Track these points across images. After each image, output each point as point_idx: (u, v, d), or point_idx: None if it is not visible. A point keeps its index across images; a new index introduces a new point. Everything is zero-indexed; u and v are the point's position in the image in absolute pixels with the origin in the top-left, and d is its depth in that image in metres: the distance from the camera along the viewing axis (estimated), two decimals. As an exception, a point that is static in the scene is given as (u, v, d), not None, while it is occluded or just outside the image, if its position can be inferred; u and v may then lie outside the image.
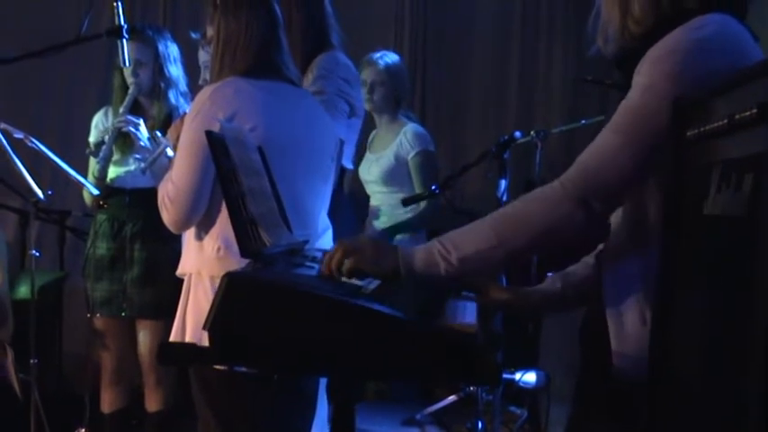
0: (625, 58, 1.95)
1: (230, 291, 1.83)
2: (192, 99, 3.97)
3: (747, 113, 1.32)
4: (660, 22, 1.89)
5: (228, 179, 2.14)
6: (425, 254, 1.95)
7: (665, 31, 1.83)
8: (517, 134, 3.87)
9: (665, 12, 1.90)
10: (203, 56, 3.37)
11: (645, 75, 1.78)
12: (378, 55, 4.73)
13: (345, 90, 3.24)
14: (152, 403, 4.17)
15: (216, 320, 1.82)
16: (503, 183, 3.71)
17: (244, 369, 2.56)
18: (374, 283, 2.13)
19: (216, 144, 2.20)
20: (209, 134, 2.21)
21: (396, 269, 1.98)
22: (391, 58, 4.77)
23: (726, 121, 1.41)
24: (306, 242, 2.57)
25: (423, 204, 4.57)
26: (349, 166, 3.38)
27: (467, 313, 2.34)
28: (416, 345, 1.82)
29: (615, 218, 2.01)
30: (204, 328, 1.83)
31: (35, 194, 4.01)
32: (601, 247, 2.08)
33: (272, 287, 1.88)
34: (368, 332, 1.82)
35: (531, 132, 4.21)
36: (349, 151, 3.32)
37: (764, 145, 1.26)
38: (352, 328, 1.83)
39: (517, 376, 4.07)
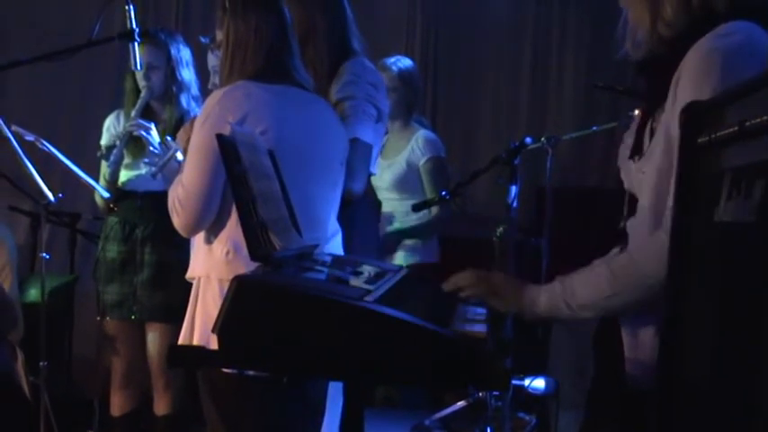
0: (651, 63, 1.95)
1: (239, 294, 1.84)
2: (204, 103, 4.00)
3: (758, 120, 1.32)
4: (691, 26, 1.89)
5: (239, 183, 2.15)
6: (549, 298, 2.02)
7: (695, 37, 1.83)
8: (528, 140, 3.86)
9: (696, 15, 1.89)
10: (213, 60, 3.37)
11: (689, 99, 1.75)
12: (391, 60, 4.72)
13: (373, 95, 3.24)
14: (161, 407, 4.18)
15: (225, 323, 1.83)
16: (513, 189, 3.70)
17: (252, 373, 2.57)
18: (384, 287, 2.14)
19: (226, 147, 2.20)
20: (219, 137, 2.21)
21: (521, 308, 2.07)
22: (404, 63, 4.77)
23: (737, 127, 1.41)
24: (315, 246, 2.57)
25: (434, 210, 4.57)
26: (373, 171, 3.37)
27: (475, 321, 2.33)
28: (426, 349, 1.82)
29: (631, 223, 2.01)
30: (213, 331, 1.83)
31: (46, 197, 4.02)
32: (615, 251, 2.07)
33: (281, 290, 1.88)
34: (377, 336, 1.83)
35: (542, 139, 4.19)
36: (374, 156, 3.32)
37: (775, 152, 1.26)
38: (361, 331, 1.83)
39: (526, 382, 4.05)
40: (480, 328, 2.11)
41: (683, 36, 1.90)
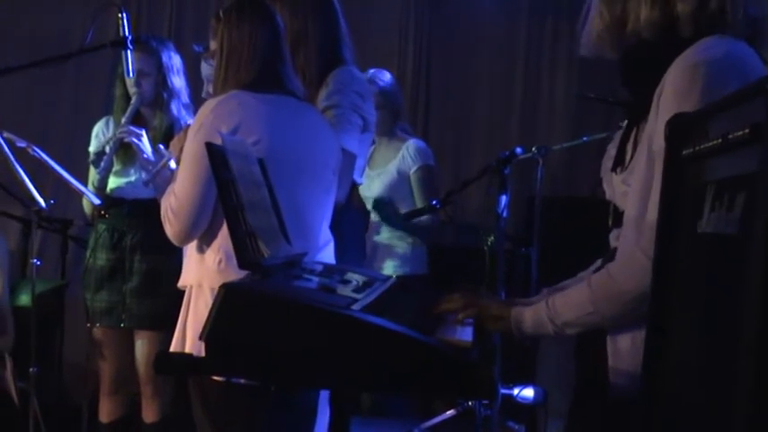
0: (631, 69, 1.97)
1: (227, 301, 1.84)
2: (195, 111, 4.01)
3: (740, 133, 1.33)
4: (663, 28, 1.90)
5: (227, 191, 2.15)
6: (535, 316, 2.05)
7: (669, 42, 1.85)
8: (518, 150, 3.89)
9: (674, 16, 1.91)
10: (206, 69, 3.38)
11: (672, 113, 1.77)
12: (369, 76, 4.64)
13: (359, 104, 3.24)
14: (149, 414, 4.17)
15: (212, 331, 1.83)
16: (503, 198, 3.72)
17: (242, 380, 2.57)
18: (371, 296, 2.14)
19: (216, 155, 2.21)
20: (209, 146, 2.22)
21: (508, 329, 2.11)
22: (384, 78, 4.74)
23: (720, 140, 1.42)
24: (304, 254, 2.57)
25: (423, 219, 4.59)
26: (359, 180, 3.38)
27: (463, 330, 2.34)
28: (412, 358, 1.83)
29: (614, 235, 2.02)
30: (201, 338, 1.84)
31: (37, 203, 4.02)
32: (598, 263, 2.09)
33: (268, 298, 1.89)
34: (363, 345, 1.84)
35: (533, 149, 4.21)
36: (360, 166, 3.33)
37: (756, 165, 1.27)
38: (348, 340, 1.84)
39: (515, 391, 4.07)
40: (466, 336, 2.13)
41: (657, 40, 1.91)
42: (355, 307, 1.96)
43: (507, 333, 2.12)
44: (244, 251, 2.09)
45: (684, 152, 1.60)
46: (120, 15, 3.33)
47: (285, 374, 1.90)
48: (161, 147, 3.16)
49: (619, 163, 2.00)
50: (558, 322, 2.00)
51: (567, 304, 2.00)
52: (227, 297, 1.84)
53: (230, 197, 2.15)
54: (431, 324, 2.13)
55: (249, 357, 1.86)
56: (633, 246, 1.87)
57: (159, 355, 1.96)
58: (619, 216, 2.00)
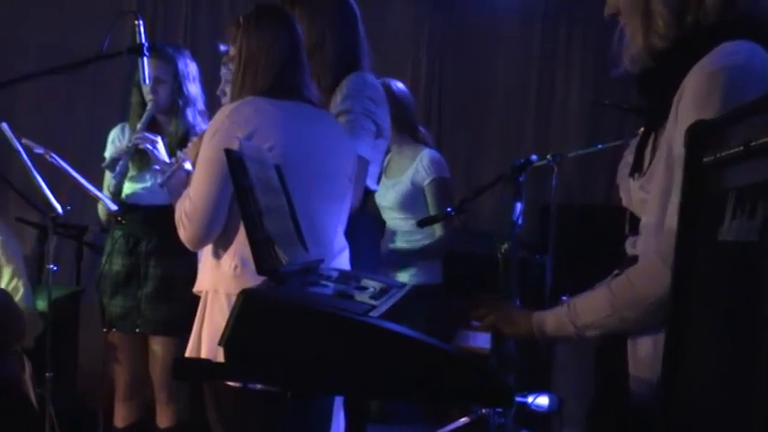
0: (651, 80, 1.97)
1: (246, 307, 1.84)
2: (210, 117, 4.01)
3: (763, 141, 1.33)
4: (683, 39, 1.91)
5: (246, 197, 2.16)
6: (556, 319, 2.08)
7: (688, 51, 1.85)
8: (533, 158, 3.88)
9: (687, 27, 1.91)
10: (225, 75, 3.39)
11: (692, 121, 1.77)
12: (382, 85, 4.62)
13: (372, 110, 3.24)
14: (163, 419, 4.18)
15: (231, 336, 1.83)
16: (518, 206, 3.71)
17: (258, 386, 2.58)
18: (388, 303, 2.14)
19: (234, 162, 2.21)
20: (227, 152, 2.23)
21: (530, 332, 2.13)
22: (396, 87, 4.73)
23: (742, 147, 1.42)
24: (321, 261, 2.58)
25: (437, 230, 4.58)
26: (373, 187, 3.37)
27: (478, 338, 2.35)
28: (430, 365, 1.83)
29: (630, 242, 2.02)
30: (220, 343, 1.84)
31: (54, 209, 4.04)
32: (617, 272, 2.09)
33: (287, 305, 1.89)
34: (380, 351, 1.83)
35: (548, 156, 4.20)
36: (374, 172, 3.32)
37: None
38: (364, 346, 1.84)
39: (530, 399, 4.05)
40: (482, 343, 2.13)
41: (676, 49, 1.91)
42: (373, 314, 1.96)
43: (528, 337, 2.14)
44: (262, 257, 2.09)
45: (705, 159, 1.59)
46: (136, 23, 3.34)
47: (303, 380, 1.90)
48: (180, 154, 3.17)
49: (636, 169, 1.99)
50: (578, 324, 2.02)
51: (587, 307, 2.02)
52: (246, 303, 1.85)
53: (248, 203, 2.15)
54: (447, 331, 2.14)
55: (268, 363, 1.86)
56: (652, 252, 1.87)
57: (177, 360, 1.97)
58: (635, 223, 2.00)
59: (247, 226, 2.13)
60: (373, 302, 2.08)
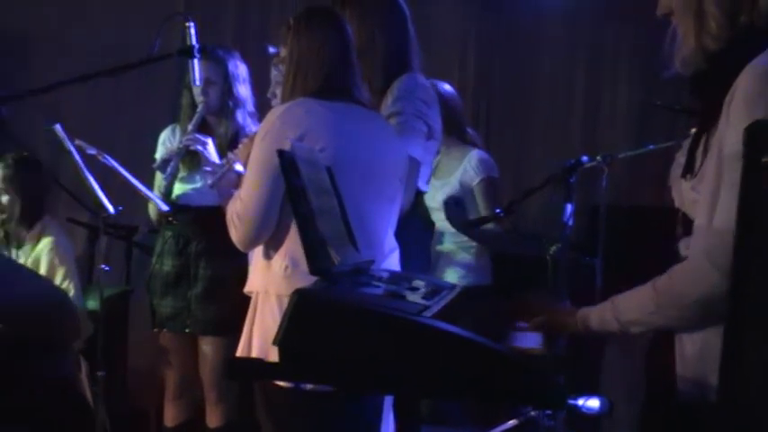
0: (702, 80, 1.95)
1: (299, 307, 1.85)
2: (259, 119, 4.03)
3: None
4: (736, 40, 1.89)
5: (298, 198, 2.16)
6: (600, 314, 2.09)
7: (741, 51, 1.83)
8: (584, 159, 3.86)
9: (740, 28, 1.89)
10: (276, 76, 3.40)
11: (744, 121, 1.76)
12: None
13: (424, 111, 3.23)
14: (213, 419, 4.21)
15: (285, 336, 1.84)
16: (569, 207, 3.69)
17: (309, 386, 2.59)
18: (440, 303, 2.14)
19: (286, 163, 2.22)
20: (280, 153, 2.23)
21: (574, 324, 2.15)
22: (443, 89, 4.72)
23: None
24: (372, 262, 2.58)
25: (487, 228, 4.56)
26: (424, 188, 3.37)
27: (526, 338, 2.34)
28: (483, 365, 1.82)
29: (683, 244, 2.01)
30: (274, 343, 1.85)
31: (106, 210, 4.08)
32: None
33: (341, 305, 1.89)
34: (435, 351, 1.83)
35: (598, 157, 4.17)
36: (425, 173, 3.32)
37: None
38: (418, 346, 1.83)
39: (580, 402, 4.03)
40: (532, 344, 2.13)
41: (729, 50, 1.90)
42: (426, 314, 1.96)
43: (574, 333, 2.15)
44: (315, 258, 2.09)
45: (764, 159, 1.58)
46: (187, 25, 3.36)
47: (355, 380, 1.91)
48: (230, 154, 3.18)
49: (688, 170, 1.98)
50: (622, 320, 2.03)
51: (631, 303, 2.02)
52: (299, 303, 1.85)
53: (301, 204, 2.16)
54: (495, 332, 2.13)
55: (321, 363, 1.86)
56: (698, 251, 1.86)
57: (231, 360, 1.98)
58: (688, 224, 1.99)
59: (300, 226, 2.14)
60: (425, 303, 2.08)
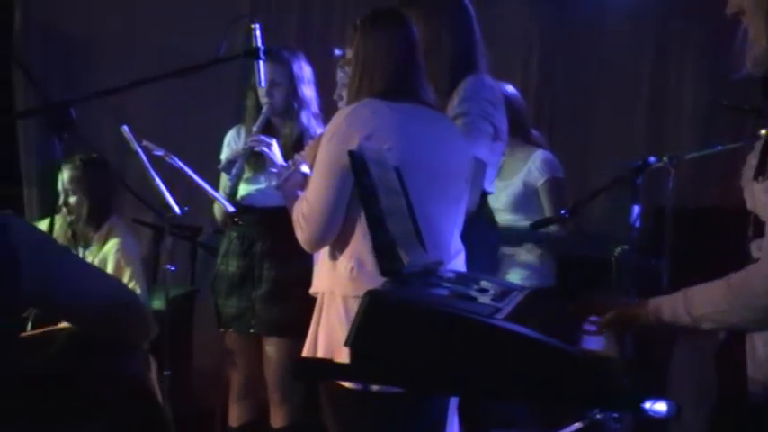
0: None
1: (371, 309, 1.85)
2: (324, 120, 4.04)
3: None
4: None
5: (369, 198, 2.16)
6: (672, 306, 2.08)
7: None
8: (651, 159, 3.82)
9: None
10: (342, 78, 3.40)
11: None
12: None
13: (490, 112, 3.21)
14: (277, 419, 4.22)
15: (357, 337, 1.84)
16: (635, 209, 3.66)
17: (375, 388, 2.58)
18: (510, 305, 2.14)
19: (357, 163, 2.22)
20: (350, 153, 2.24)
21: (646, 315, 2.14)
22: (506, 90, 4.70)
23: None
24: (440, 263, 2.57)
25: (551, 231, 4.53)
26: (490, 189, 3.35)
27: (590, 341, 2.32)
28: (556, 368, 1.82)
29: (755, 245, 1.98)
30: (346, 344, 1.85)
31: (172, 210, 4.11)
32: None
33: (413, 306, 1.90)
34: (507, 353, 1.83)
35: (665, 158, 4.12)
36: (491, 175, 3.30)
37: None
38: (492, 349, 1.84)
39: (647, 405, 3.98)
40: (595, 345, 2.13)
41: None
42: (498, 316, 1.96)
43: (645, 325, 2.14)
44: (385, 259, 2.09)
45: None
46: (252, 26, 3.38)
47: (426, 382, 1.91)
48: (296, 156, 3.19)
49: (760, 172, 1.96)
50: (694, 314, 2.01)
51: (703, 298, 2.01)
52: (371, 304, 1.85)
53: (371, 204, 2.16)
54: (564, 334, 2.12)
55: (393, 364, 1.86)
56: None
57: (299, 360, 1.99)
58: (759, 226, 1.97)
59: (370, 227, 2.14)
60: (496, 305, 2.08)
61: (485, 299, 2.14)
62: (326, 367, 2.18)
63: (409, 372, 1.87)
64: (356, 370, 1.92)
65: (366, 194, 2.18)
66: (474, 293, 2.19)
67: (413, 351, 1.85)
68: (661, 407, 3.95)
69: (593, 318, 2.26)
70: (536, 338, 1.84)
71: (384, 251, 2.10)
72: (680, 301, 2.04)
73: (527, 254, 4.64)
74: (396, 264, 2.11)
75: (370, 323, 1.85)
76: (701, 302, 2.00)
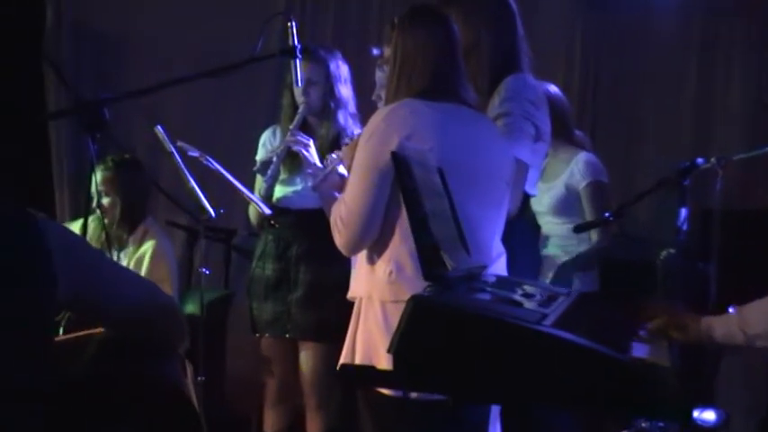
0: None
1: (415, 314, 1.82)
2: (361, 120, 3.99)
3: None
4: None
5: (413, 200, 2.11)
6: (725, 326, 2.09)
7: None
8: (699, 161, 3.72)
9: None
10: (380, 78, 3.35)
11: None
12: None
13: (532, 113, 3.14)
14: (313, 426, 4.17)
15: (401, 343, 1.80)
16: (683, 211, 3.56)
17: (415, 394, 2.53)
18: (558, 311, 2.08)
19: (400, 164, 2.17)
20: (393, 154, 2.20)
21: (698, 334, 2.14)
22: (550, 90, 4.63)
23: None
24: (484, 267, 2.51)
25: (593, 236, 4.45)
26: (533, 192, 3.28)
27: (637, 348, 2.26)
28: (606, 376, 1.79)
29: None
30: (389, 351, 1.81)
31: (207, 212, 4.07)
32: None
33: (458, 312, 1.87)
34: (555, 360, 1.80)
35: (712, 159, 4.02)
36: (533, 176, 3.23)
37: None
38: (539, 355, 1.81)
39: (695, 414, 3.89)
40: (641, 353, 2.09)
41: None
42: (545, 322, 1.91)
43: (697, 339, 2.13)
44: (430, 263, 2.04)
45: None
46: (288, 25, 3.35)
47: (471, 389, 1.87)
48: (332, 155, 3.14)
49: None
50: (749, 333, 2.00)
51: (760, 316, 2.00)
52: (415, 310, 1.81)
53: (416, 207, 2.11)
54: (613, 339, 2.06)
55: (437, 371, 1.84)
56: None
57: (342, 366, 1.96)
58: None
59: (414, 230, 2.10)
60: (543, 310, 2.04)
61: (531, 304, 2.09)
62: (369, 374, 2.14)
63: (454, 379, 1.84)
64: (399, 377, 1.89)
65: (409, 196, 2.13)
66: (519, 298, 2.14)
67: (458, 358, 1.83)
68: (710, 416, 3.88)
69: (643, 324, 2.21)
70: (585, 345, 1.82)
71: (428, 255, 2.05)
72: (733, 321, 2.04)
73: (569, 256, 4.56)
74: (440, 268, 2.06)
75: (414, 329, 1.81)
76: (756, 321, 2.00)
